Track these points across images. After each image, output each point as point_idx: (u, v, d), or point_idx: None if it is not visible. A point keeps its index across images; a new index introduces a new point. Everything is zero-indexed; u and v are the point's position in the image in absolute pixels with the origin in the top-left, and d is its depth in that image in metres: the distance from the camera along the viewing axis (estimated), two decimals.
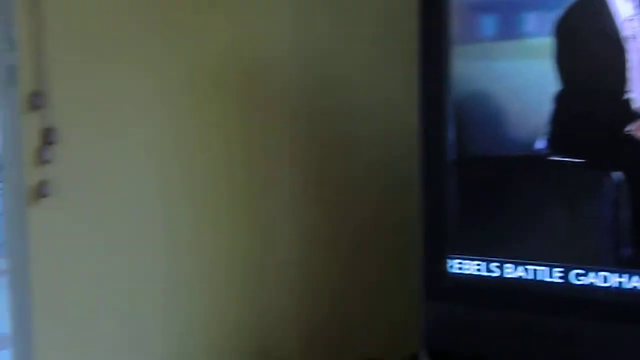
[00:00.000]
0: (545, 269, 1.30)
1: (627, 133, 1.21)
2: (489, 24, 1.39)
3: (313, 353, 1.70)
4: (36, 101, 1.45)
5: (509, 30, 1.36)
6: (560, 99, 1.26)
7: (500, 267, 1.35)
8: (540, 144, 1.29)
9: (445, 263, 1.38)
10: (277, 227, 1.66)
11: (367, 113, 1.64)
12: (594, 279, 1.26)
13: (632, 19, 1.20)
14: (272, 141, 1.63)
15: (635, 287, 1.22)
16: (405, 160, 1.53)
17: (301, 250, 1.68)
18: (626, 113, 1.21)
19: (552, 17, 1.25)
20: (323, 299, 1.69)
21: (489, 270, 1.36)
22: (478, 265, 1.36)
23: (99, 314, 1.55)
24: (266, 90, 1.61)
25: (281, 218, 1.66)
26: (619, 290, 1.24)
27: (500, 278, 1.36)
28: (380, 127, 1.64)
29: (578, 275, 1.27)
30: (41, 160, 1.47)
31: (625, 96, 1.21)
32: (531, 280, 1.32)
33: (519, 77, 1.30)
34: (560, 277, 1.29)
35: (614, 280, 1.24)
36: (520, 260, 1.33)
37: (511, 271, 1.34)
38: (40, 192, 1.48)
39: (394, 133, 1.62)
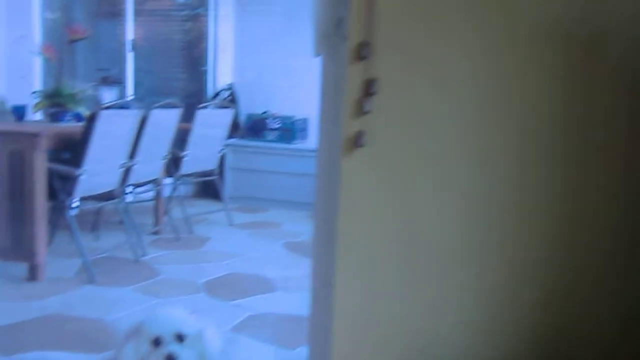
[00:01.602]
0: None
1: None
2: None
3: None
4: (362, 52, 1.46)
5: None
6: None
7: None
8: None
9: None
10: (605, 203, 1.49)
11: None
12: None
13: None
14: (612, 109, 1.47)
15: None
16: None
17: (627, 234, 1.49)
18: None
19: None
20: None
21: None
22: None
23: (402, 267, 1.55)
24: (614, 53, 1.45)
25: (609, 196, 1.49)
26: None
27: None
28: None
29: None
30: (361, 111, 1.49)
31: None
32: None
33: None
34: None
35: None
36: None
37: None
38: (356, 142, 1.50)
39: None
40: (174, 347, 1.48)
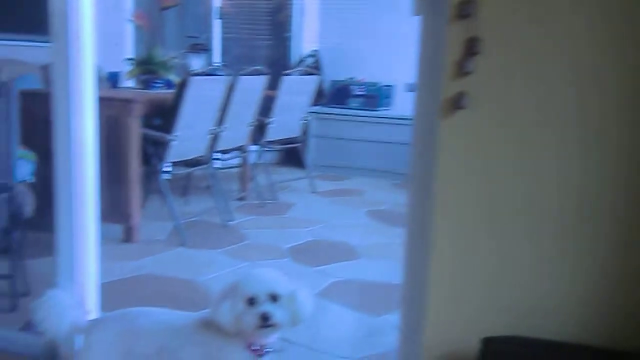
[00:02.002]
0: None
1: None
2: None
3: None
4: (464, 10, 1.40)
5: None
6: None
7: None
8: None
9: None
10: None
11: None
12: None
13: None
14: None
15: None
16: None
17: None
18: None
19: None
20: None
21: None
22: None
23: (501, 232, 1.50)
24: None
25: None
26: None
27: None
28: None
29: None
30: (462, 71, 1.43)
31: None
32: None
33: None
34: None
35: None
36: None
37: None
38: (456, 104, 1.45)
39: None
40: (268, 307, 1.50)
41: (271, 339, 1.58)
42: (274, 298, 1.52)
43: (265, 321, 1.49)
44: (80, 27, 1.92)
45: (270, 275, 1.56)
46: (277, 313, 1.50)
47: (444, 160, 1.49)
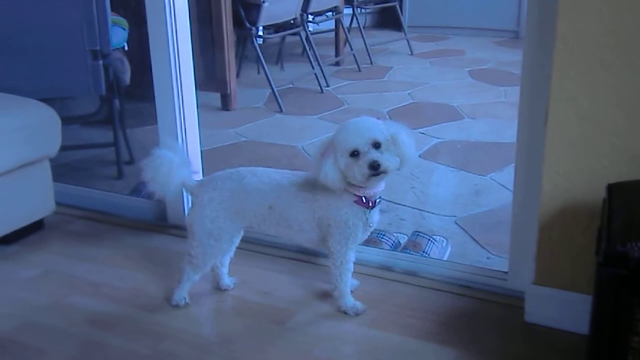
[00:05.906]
0: None
1: None
2: None
3: None
4: None
5: None
6: None
7: None
8: None
9: None
10: None
11: None
12: None
13: None
14: None
15: None
16: None
17: None
18: None
19: None
20: None
21: None
22: None
23: (627, 75, 1.32)
24: None
25: None
26: None
27: None
28: None
29: None
30: None
31: None
32: None
33: None
34: None
35: None
36: None
37: None
38: None
39: None
40: (374, 154, 1.41)
41: (379, 188, 1.50)
42: (376, 145, 1.42)
43: (375, 169, 1.41)
44: None
45: (367, 123, 1.46)
46: (384, 158, 1.42)
47: None
